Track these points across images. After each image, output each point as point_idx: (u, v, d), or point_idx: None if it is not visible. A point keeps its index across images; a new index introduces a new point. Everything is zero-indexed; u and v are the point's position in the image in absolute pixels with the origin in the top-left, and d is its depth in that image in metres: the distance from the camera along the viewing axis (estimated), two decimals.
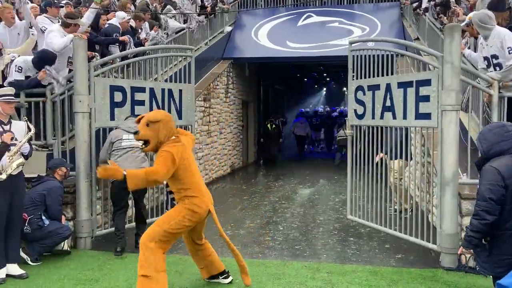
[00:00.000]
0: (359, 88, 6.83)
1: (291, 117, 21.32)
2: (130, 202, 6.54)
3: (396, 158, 7.46)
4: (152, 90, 6.97)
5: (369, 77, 6.70)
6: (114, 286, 4.99)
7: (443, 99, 5.56)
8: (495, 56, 5.70)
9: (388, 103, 6.28)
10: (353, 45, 7.21)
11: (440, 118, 5.55)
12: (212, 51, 13.15)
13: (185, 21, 11.72)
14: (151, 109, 6.91)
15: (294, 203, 9.36)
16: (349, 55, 7.08)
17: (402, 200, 7.41)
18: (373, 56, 6.71)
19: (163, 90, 7.10)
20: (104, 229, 6.76)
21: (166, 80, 7.79)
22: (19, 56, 6.82)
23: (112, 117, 6.54)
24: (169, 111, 7.08)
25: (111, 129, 6.51)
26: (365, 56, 6.82)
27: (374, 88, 6.54)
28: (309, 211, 8.62)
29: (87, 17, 7.21)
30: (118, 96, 6.59)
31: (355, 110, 6.92)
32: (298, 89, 25.32)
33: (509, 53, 5.55)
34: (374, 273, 5.34)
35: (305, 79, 24.56)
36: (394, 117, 6.20)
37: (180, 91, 7.37)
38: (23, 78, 6.59)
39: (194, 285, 4.99)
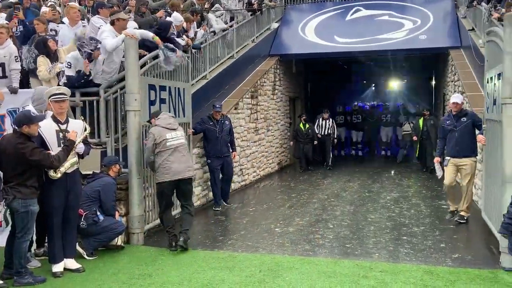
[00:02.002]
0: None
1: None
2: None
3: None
4: (170, 89, 7.33)
5: None
6: (166, 281, 5.06)
7: (503, 92, 5.29)
8: None
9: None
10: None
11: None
12: (259, 48, 13.15)
13: (231, 19, 11.75)
14: (170, 107, 7.25)
15: (344, 201, 9.20)
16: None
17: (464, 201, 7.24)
18: None
19: (175, 88, 7.49)
20: (154, 225, 6.89)
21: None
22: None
23: (149, 115, 6.73)
24: (178, 109, 7.52)
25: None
26: None
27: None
28: (359, 209, 8.44)
29: (141, 34, 7.29)
30: (152, 95, 6.85)
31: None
32: (346, 85, 24.90)
33: None
34: (429, 272, 5.14)
35: (354, 75, 24.12)
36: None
37: (184, 89, 7.76)
38: (73, 73, 6.70)
39: (243, 281, 4.98)
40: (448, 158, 7.16)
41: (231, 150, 8.73)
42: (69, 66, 6.64)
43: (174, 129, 6.12)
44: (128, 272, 5.34)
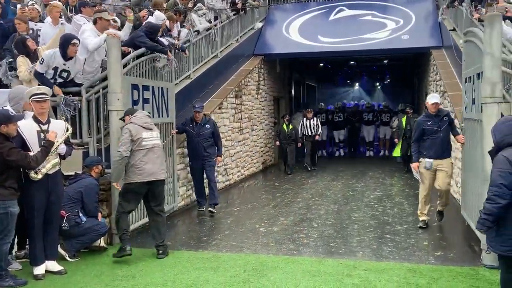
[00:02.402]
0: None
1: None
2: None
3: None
4: (153, 88, 7.28)
5: None
6: (150, 282, 5.03)
7: (483, 92, 5.37)
8: None
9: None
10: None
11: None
12: (243, 48, 13.14)
13: (215, 18, 11.72)
14: (153, 107, 7.21)
15: (328, 200, 9.24)
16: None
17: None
18: None
19: (159, 88, 7.45)
20: (137, 226, 6.84)
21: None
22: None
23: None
24: (161, 109, 7.46)
25: None
26: None
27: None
28: (343, 208, 8.50)
29: (124, 33, 7.22)
30: (135, 94, 6.82)
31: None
32: (330, 84, 25.07)
33: None
34: (412, 270, 5.19)
35: (338, 74, 24.29)
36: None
37: (167, 89, 7.73)
38: (43, 70, 6.40)
39: (228, 282, 4.97)
40: (431, 160, 6.70)
41: (215, 153, 8.37)
42: (41, 62, 6.44)
43: (150, 129, 5.90)
44: (111, 274, 5.29)
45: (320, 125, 13.83)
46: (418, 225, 6.98)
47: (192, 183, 8.72)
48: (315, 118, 13.70)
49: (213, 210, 8.16)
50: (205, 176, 8.42)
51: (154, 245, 5.93)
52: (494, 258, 5.20)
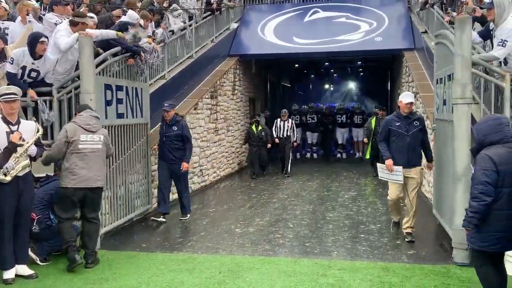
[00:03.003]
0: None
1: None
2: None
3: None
4: (127, 89, 7.19)
5: None
6: (123, 285, 4.96)
7: (454, 93, 5.48)
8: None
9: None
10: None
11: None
12: (218, 48, 13.11)
13: (190, 18, 11.66)
14: (127, 107, 7.11)
15: (304, 200, 9.29)
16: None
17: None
18: None
19: (133, 88, 7.36)
20: (111, 228, 6.75)
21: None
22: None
23: (106, 116, 6.65)
24: (135, 109, 7.36)
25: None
26: None
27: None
28: (318, 208, 8.55)
29: (101, 34, 7.09)
30: (108, 94, 6.71)
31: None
32: (306, 86, 25.27)
33: (498, 44, 5.55)
34: (386, 269, 5.26)
35: (313, 75, 24.49)
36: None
37: (141, 89, 7.64)
38: (15, 70, 6.27)
39: (203, 283, 4.95)
40: (399, 168, 6.18)
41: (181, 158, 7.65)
42: (11, 62, 6.29)
43: (92, 132, 5.49)
44: (84, 277, 5.19)
45: (295, 129, 13.15)
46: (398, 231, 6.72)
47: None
48: (289, 120, 13.03)
49: (184, 217, 7.81)
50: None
51: (84, 253, 5.55)
52: (465, 256, 5.34)
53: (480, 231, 3.85)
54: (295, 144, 13.17)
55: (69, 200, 5.44)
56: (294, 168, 13.18)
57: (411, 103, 6.27)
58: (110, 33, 6.99)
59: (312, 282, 4.92)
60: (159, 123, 8.03)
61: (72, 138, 5.37)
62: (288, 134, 12.68)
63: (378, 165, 6.53)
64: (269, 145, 12.72)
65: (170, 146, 7.60)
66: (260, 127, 12.66)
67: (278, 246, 6.28)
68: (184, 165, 7.64)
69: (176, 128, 7.60)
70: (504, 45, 5.50)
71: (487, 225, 3.82)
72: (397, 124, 6.26)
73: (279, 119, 12.96)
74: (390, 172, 6.24)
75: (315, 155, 16.90)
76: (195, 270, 5.34)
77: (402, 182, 6.22)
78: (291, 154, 12.81)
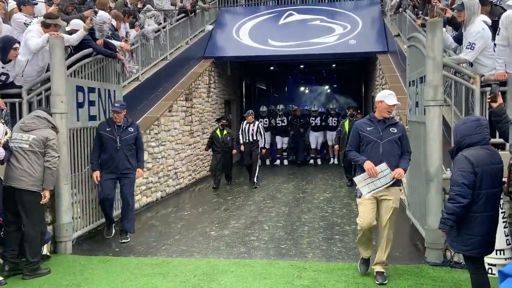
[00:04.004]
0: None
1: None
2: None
3: None
4: (99, 90, 7.09)
5: None
6: None
7: (426, 95, 5.57)
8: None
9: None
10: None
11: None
12: (193, 50, 13.04)
13: (165, 20, 11.57)
14: (99, 109, 7.01)
15: (279, 202, 9.30)
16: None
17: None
18: None
19: (106, 90, 7.28)
20: (83, 232, 6.62)
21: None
22: None
23: (78, 118, 6.56)
24: (108, 111, 7.23)
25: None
26: None
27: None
28: (294, 210, 8.57)
29: (77, 37, 6.94)
30: (80, 96, 6.61)
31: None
32: (281, 88, 25.33)
33: (466, 47, 5.68)
34: None
35: (288, 78, 24.59)
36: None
37: (114, 91, 7.56)
38: None
39: (178, 287, 4.89)
40: (381, 165, 4.84)
41: (136, 166, 6.76)
42: None
43: (24, 131, 5.31)
44: (55, 284, 5.06)
45: (262, 133, 11.66)
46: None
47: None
48: (256, 123, 11.55)
49: (125, 239, 6.65)
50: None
51: (22, 263, 5.29)
52: (438, 256, 5.42)
53: (461, 234, 3.82)
54: (263, 151, 12.20)
55: (4, 201, 5.22)
56: (265, 175, 12.35)
57: (393, 106, 4.99)
58: (80, 32, 6.84)
59: (287, 284, 4.91)
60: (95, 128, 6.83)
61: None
62: (255, 138, 11.41)
63: (356, 179, 4.96)
64: (234, 151, 11.41)
65: (127, 152, 6.62)
66: (225, 132, 11.23)
67: (253, 248, 6.25)
68: (140, 172, 6.85)
69: (132, 130, 6.72)
70: (472, 48, 5.63)
71: (466, 228, 3.79)
72: (368, 128, 4.97)
73: (244, 122, 11.67)
74: (374, 178, 4.83)
75: (285, 162, 15.41)
76: (169, 274, 5.27)
77: (389, 180, 4.86)
78: (259, 160, 11.61)
